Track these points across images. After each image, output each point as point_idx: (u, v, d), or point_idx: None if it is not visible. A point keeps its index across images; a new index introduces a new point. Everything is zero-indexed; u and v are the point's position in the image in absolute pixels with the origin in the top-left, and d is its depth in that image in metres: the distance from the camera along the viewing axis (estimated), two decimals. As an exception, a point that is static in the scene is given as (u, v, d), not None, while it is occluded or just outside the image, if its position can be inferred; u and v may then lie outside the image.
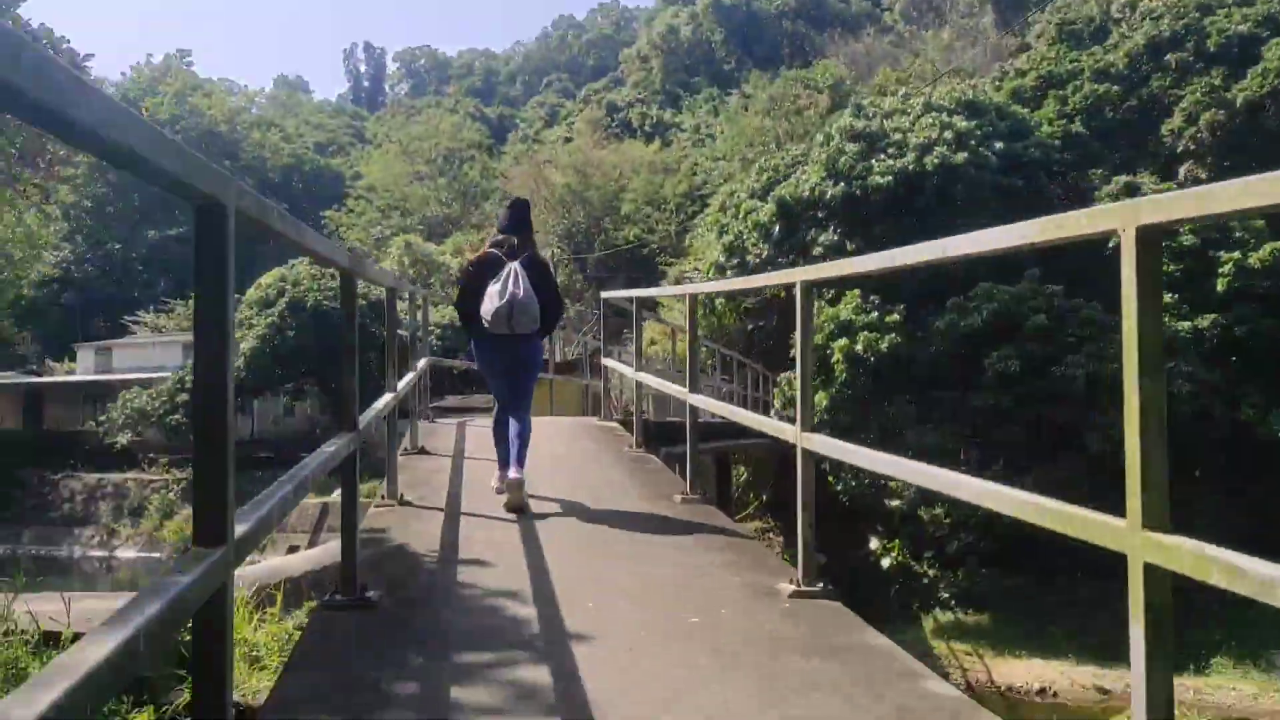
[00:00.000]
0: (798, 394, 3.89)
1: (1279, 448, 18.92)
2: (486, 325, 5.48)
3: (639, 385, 7.43)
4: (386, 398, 5.01)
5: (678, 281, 36.15)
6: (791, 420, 13.60)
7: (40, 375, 44.13)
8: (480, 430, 8.43)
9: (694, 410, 5.61)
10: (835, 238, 22.32)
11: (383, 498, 5.43)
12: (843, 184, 22.17)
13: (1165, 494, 1.84)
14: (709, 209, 33.85)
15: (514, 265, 5.50)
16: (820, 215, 22.71)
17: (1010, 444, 20.91)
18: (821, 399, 21.73)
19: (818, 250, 22.55)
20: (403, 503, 5.35)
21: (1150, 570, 1.81)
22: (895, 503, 22.21)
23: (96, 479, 32.88)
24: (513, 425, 5.58)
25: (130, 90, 64.29)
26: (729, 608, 3.50)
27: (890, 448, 17.55)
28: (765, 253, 23.93)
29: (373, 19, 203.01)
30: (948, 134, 22.03)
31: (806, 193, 22.81)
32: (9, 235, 35.74)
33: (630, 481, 6.13)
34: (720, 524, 5.05)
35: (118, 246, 60.53)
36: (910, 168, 21.74)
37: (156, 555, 29.05)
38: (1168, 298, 18.91)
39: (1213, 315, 20.09)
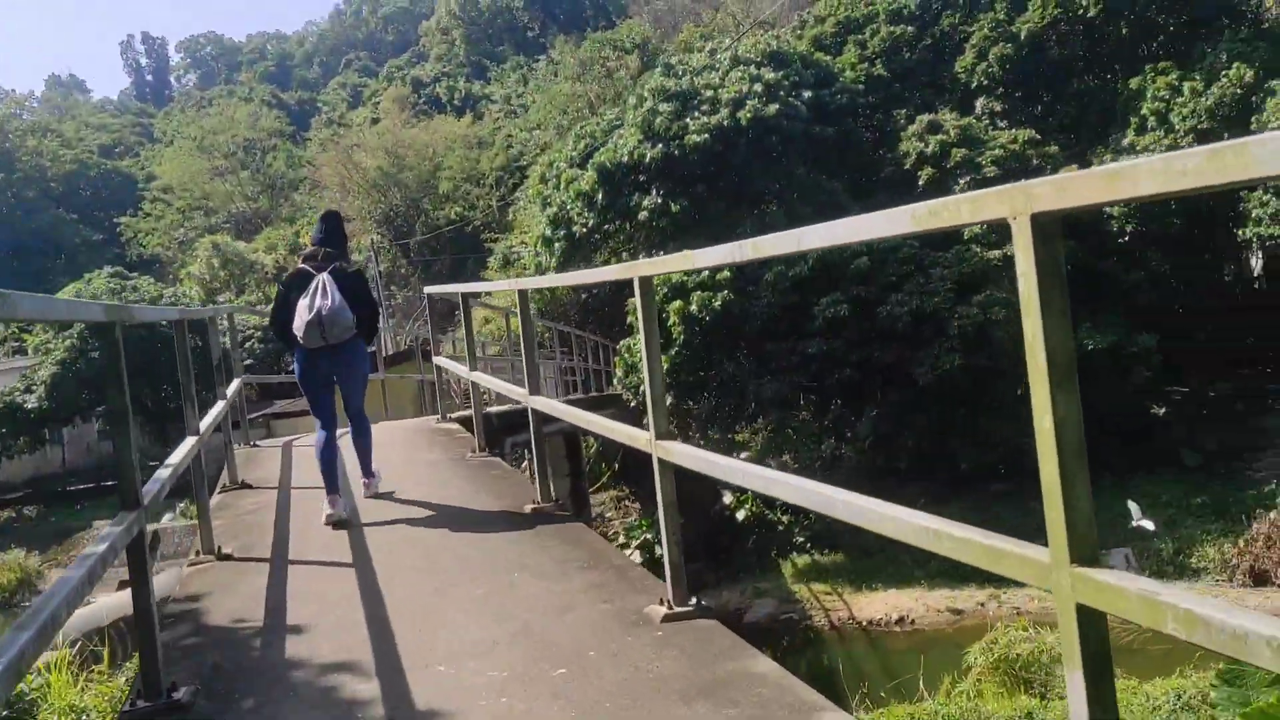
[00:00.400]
0: (647, 395, 3.56)
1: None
2: (301, 341, 5.50)
3: (476, 385, 6.97)
4: (188, 444, 4.41)
5: (505, 258, 35.52)
6: (635, 391, 13.32)
7: None
8: (307, 451, 7.80)
9: (536, 413, 5.22)
10: (659, 200, 22.20)
11: (198, 553, 4.82)
12: (660, 145, 22.01)
13: (1093, 522, 1.58)
14: (529, 181, 33.26)
15: (322, 276, 5.51)
16: (642, 179, 22.53)
17: (844, 385, 21.45)
18: (662, 362, 21.69)
19: (643, 214, 22.42)
20: (221, 557, 4.76)
21: (1084, 612, 1.56)
22: (744, 455, 22.52)
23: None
24: (352, 433, 5.83)
25: (-125, 104, 58.13)
26: (598, 648, 3.15)
27: (732, 402, 17.60)
28: (591, 221, 23.63)
29: (149, 6, 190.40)
30: (757, 87, 22.15)
31: (625, 157, 22.56)
32: None
33: (477, 494, 5.70)
34: (577, 535, 4.70)
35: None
36: (725, 123, 21.77)
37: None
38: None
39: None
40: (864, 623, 18.03)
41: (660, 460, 3.41)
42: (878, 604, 18.57)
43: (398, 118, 52.10)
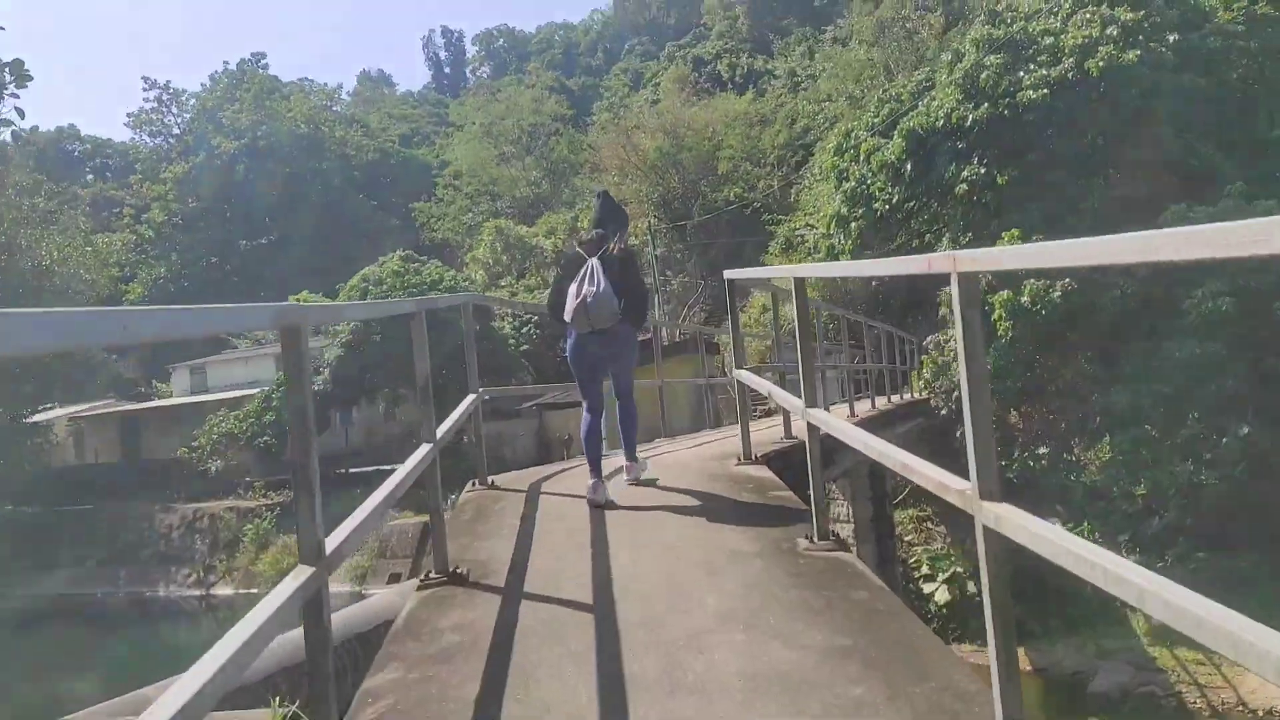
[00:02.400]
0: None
1: None
2: (570, 323, 5.59)
3: (813, 426, 4.38)
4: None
5: (788, 241, 32.75)
6: (947, 396, 10.48)
7: (146, 399, 43.18)
8: (558, 503, 5.51)
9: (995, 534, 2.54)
10: (982, 170, 18.73)
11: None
12: (986, 104, 18.55)
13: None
14: (817, 156, 30.38)
15: (592, 261, 5.57)
16: (961, 145, 19.12)
17: (1222, 399, 17.20)
18: (981, 363, 18.29)
19: (961, 187, 19.04)
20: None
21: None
22: (1083, 478, 18.68)
23: (193, 510, 31.25)
24: (620, 416, 5.87)
25: (208, 101, 63.49)
26: None
27: (1071, 414, 13.84)
28: (896, 197, 20.51)
29: (449, 2, 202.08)
30: (1111, 30, 18.16)
31: (941, 121, 19.26)
32: (79, 258, 34.45)
33: (837, 649, 3.07)
34: None
35: (213, 260, 59.95)
36: (1069, 76, 17.98)
37: (254, 591, 27.33)
38: None
39: None
40: (1259, 712, 13.95)
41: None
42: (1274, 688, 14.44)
43: (678, 97, 50.55)
